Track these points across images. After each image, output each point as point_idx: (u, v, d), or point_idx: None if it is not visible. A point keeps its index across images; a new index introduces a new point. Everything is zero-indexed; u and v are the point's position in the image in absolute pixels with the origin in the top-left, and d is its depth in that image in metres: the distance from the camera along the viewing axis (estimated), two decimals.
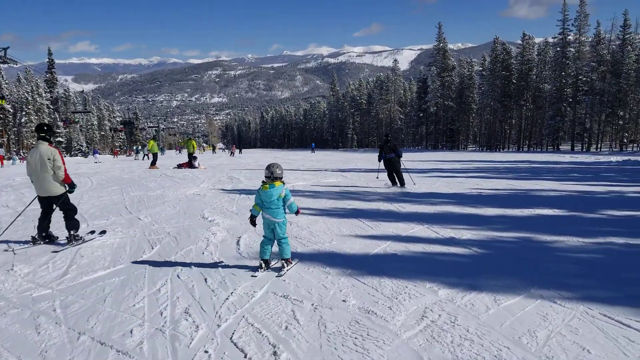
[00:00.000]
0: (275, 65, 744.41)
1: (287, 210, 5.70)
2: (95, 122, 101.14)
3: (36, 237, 7.37)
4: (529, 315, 4.17)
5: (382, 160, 15.33)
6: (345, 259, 6.17)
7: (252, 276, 5.42)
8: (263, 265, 5.63)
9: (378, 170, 17.89)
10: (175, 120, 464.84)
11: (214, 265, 5.92)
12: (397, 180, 15.25)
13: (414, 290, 4.84)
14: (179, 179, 18.32)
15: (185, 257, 6.37)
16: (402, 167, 15.39)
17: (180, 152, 52.34)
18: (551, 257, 6.28)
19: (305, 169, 24.85)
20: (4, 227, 8.48)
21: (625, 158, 35.15)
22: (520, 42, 70.55)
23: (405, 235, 7.65)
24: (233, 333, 3.89)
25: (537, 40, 75.26)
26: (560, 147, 65.72)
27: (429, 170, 23.79)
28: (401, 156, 15.23)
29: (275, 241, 5.70)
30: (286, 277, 5.37)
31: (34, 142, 11.40)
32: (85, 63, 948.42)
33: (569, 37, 61.94)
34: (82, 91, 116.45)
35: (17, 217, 9.01)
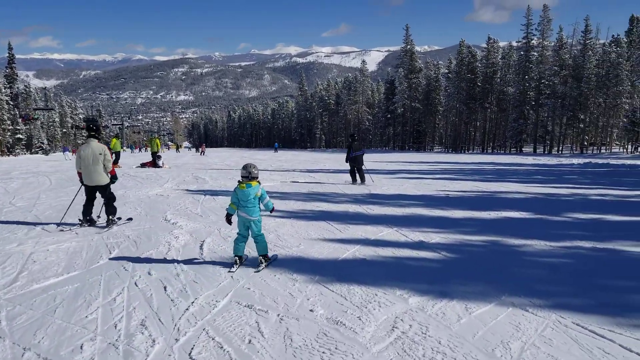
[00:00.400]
0: (243, 63, 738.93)
1: (262, 208, 5.90)
2: (57, 119, 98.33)
3: (81, 220, 8.49)
4: (501, 324, 4.05)
5: (351, 158, 16.13)
6: (313, 265, 5.97)
7: (229, 272, 5.58)
8: (238, 261, 5.82)
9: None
10: (140, 118, 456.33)
11: (175, 271, 5.64)
12: (358, 177, 16.34)
13: (383, 298, 4.67)
14: (142, 178, 17.81)
15: (144, 262, 6.05)
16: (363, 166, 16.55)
17: (140, 150, 50.69)
18: (520, 261, 6.22)
19: (273, 169, 24.54)
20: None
21: (587, 161, 36.02)
22: (485, 45, 71.79)
23: (375, 239, 7.50)
24: (192, 348, 3.64)
25: (502, 44, 76.73)
26: (523, 149, 67.11)
27: (397, 171, 23.82)
28: (363, 155, 16.54)
29: (252, 239, 5.89)
30: (251, 284, 5.14)
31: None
32: (48, 58, 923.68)
33: (533, 42, 63.32)
34: (45, 88, 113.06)
35: (71, 204, 9.58)
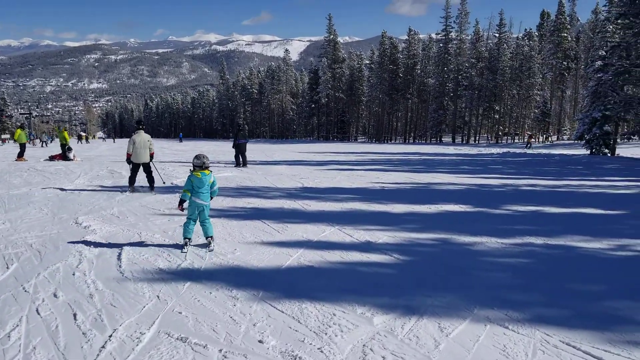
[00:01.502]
0: (160, 50, 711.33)
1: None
2: None
3: (129, 188, 11.63)
4: (485, 349, 3.49)
5: (236, 145, 18.81)
6: (253, 276, 5.19)
7: (182, 252, 6.06)
8: (188, 242, 6.26)
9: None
10: (50, 107, 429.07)
11: (88, 291, 4.66)
12: (241, 160, 19.04)
13: (344, 320, 3.98)
14: (50, 173, 16.06)
15: (50, 280, 5.01)
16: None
17: (44, 143, 46.71)
18: (478, 263, 5.76)
19: (222, 162, 23.19)
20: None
21: (505, 150, 37.37)
22: (405, 38, 72.97)
23: (318, 241, 6.81)
24: None
25: (422, 36, 78.41)
26: (442, 139, 69.10)
27: (326, 162, 23.30)
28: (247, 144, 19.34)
29: (200, 222, 6.33)
30: (182, 306, 4.28)
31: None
32: None
33: (451, 34, 65.03)
34: None
35: (134, 175, 11.84)
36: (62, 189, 11.95)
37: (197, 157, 6.26)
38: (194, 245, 6.36)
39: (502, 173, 18.05)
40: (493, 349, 3.47)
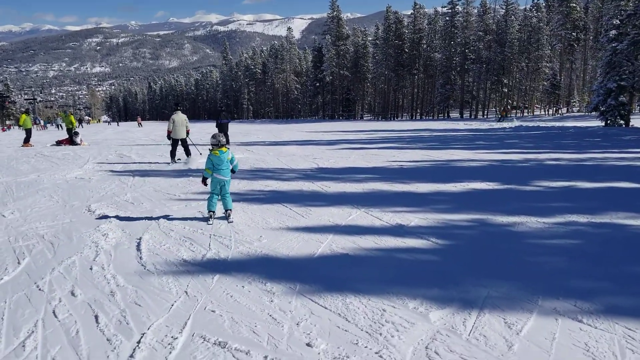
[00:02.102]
0: (162, 32, 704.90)
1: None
2: None
3: (171, 160, 13.76)
4: (565, 348, 3.07)
5: (219, 124, 19.62)
6: (285, 266, 4.78)
7: (208, 224, 6.51)
8: (213, 215, 6.68)
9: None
10: (54, 92, 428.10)
11: (109, 288, 4.27)
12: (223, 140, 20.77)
13: (396, 317, 3.57)
14: (58, 159, 15.68)
15: (65, 276, 4.62)
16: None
17: (59, 127, 46.17)
18: (525, 246, 5.33)
19: (204, 143, 22.69)
20: None
21: (517, 124, 36.63)
22: (409, 13, 71.62)
23: (346, 225, 6.39)
24: None
25: (427, 10, 76.88)
26: (450, 114, 68.19)
27: (336, 141, 22.79)
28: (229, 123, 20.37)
29: (221, 197, 6.74)
30: (215, 303, 3.88)
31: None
32: None
33: (458, 7, 63.71)
34: None
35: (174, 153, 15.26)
36: (71, 175, 11.55)
37: (213, 136, 6.69)
38: (217, 218, 6.74)
39: (521, 148, 17.50)
40: (574, 349, 3.05)
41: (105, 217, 7.05)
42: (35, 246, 5.65)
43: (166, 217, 7.00)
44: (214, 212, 6.69)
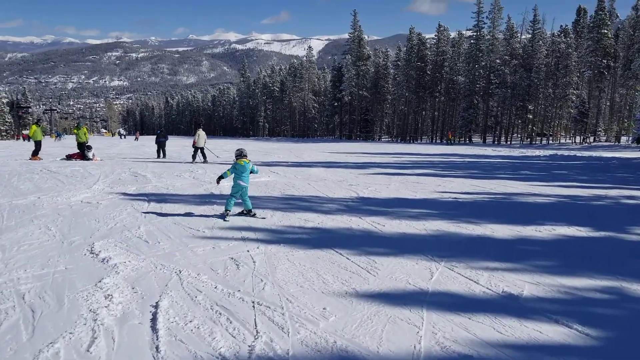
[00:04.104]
0: (180, 49, 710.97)
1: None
2: None
3: (192, 161, 20.44)
4: None
5: (157, 142, 23.77)
6: None
7: (224, 220, 7.69)
8: (228, 213, 7.92)
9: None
10: (72, 103, 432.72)
11: None
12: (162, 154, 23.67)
13: None
14: (65, 176, 14.16)
15: None
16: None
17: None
18: None
19: (221, 161, 21.11)
20: None
21: (552, 153, 34.84)
22: (431, 36, 70.42)
23: (436, 292, 4.69)
24: None
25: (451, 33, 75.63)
26: (472, 139, 66.40)
27: (365, 165, 21.17)
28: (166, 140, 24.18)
29: (242, 199, 8.02)
30: None
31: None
32: None
33: (483, 30, 62.36)
34: None
35: (198, 153, 20.74)
36: (76, 198, 9.97)
37: (238, 150, 8.20)
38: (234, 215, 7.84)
39: (576, 180, 15.72)
40: None
41: (112, 263, 5.42)
42: (9, 317, 3.98)
43: (190, 265, 5.36)
44: (229, 211, 8.00)
